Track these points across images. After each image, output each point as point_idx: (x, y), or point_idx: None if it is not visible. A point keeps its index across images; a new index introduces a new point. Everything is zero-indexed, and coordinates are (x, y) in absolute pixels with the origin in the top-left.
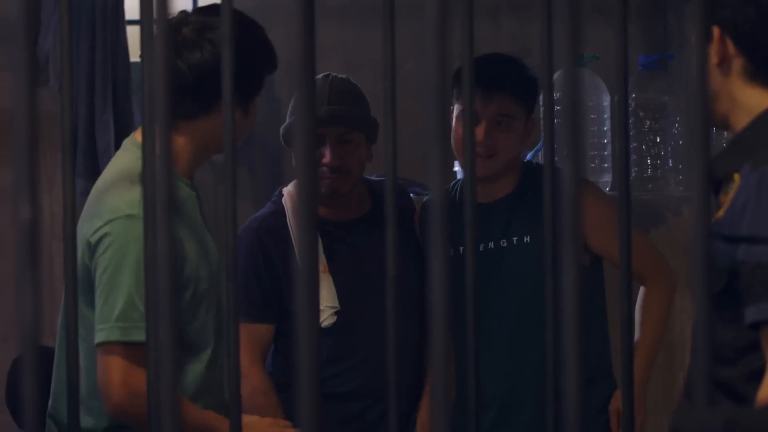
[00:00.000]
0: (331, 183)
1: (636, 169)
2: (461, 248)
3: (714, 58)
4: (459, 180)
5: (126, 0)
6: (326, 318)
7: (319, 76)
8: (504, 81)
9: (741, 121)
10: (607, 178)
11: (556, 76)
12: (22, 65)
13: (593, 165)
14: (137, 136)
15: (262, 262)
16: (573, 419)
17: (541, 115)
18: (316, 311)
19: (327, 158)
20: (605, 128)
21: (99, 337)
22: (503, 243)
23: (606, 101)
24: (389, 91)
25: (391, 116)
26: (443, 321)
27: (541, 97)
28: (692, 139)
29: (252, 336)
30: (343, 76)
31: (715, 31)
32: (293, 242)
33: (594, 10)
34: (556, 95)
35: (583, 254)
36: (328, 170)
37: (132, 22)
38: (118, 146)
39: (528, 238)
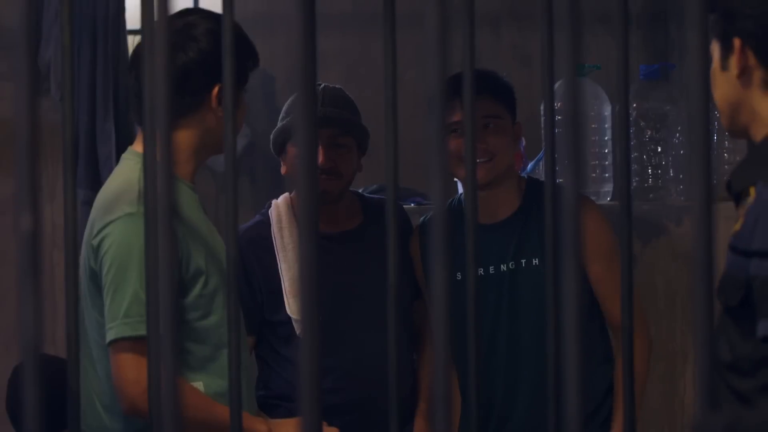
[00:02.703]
0: (321, 184)
1: (637, 178)
2: (480, 270)
3: (734, 69)
4: (458, 195)
5: (127, 9)
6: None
7: None
8: (479, 83)
9: (760, 133)
10: (608, 187)
11: (557, 85)
12: (23, 75)
13: (594, 175)
14: (136, 146)
15: (241, 274)
16: None
17: (542, 125)
18: (316, 316)
19: (318, 160)
20: (606, 138)
21: (109, 336)
22: (512, 265)
23: (607, 111)
24: (390, 101)
25: (393, 125)
26: (444, 332)
27: (542, 107)
28: (693, 148)
29: None
30: (339, 87)
31: (737, 42)
32: (276, 253)
33: (595, 19)
34: (557, 105)
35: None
36: (319, 171)
37: (133, 32)
38: (119, 155)
39: (536, 261)
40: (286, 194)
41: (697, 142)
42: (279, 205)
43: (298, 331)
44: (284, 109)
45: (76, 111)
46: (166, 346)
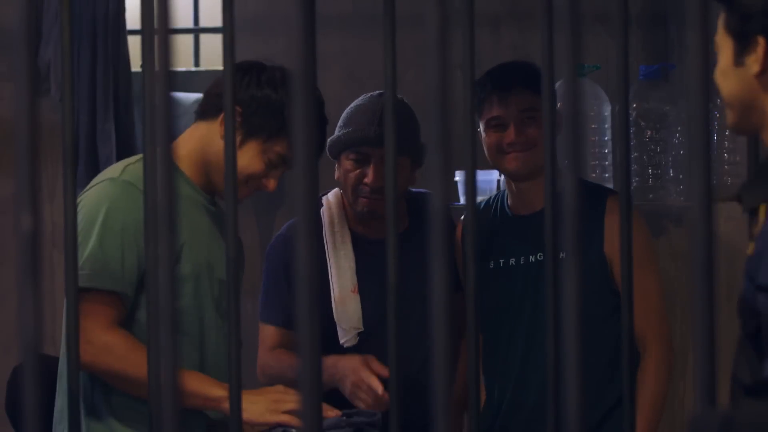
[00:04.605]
0: (371, 203)
1: (637, 179)
2: (512, 260)
3: (755, 67)
4: (501, 192)
5: (127, 10)
6: (349, 339)
7: (375, 93)
8: (514, 78)
9: None
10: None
11: (557, 86)
12: (23, 75)
13: (594, 175)
14: None
15: (284, 268)
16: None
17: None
18: (316, 316)
19: (369, 178)
20: (606, 138)
21: None
22: (539, 257)
23: (607, 111)
24: (390, 101)
25: (392, 125)
26: (444, 328)
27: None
28: (693, 148)
29: (264, 335)
30: (399, 97)
31: (761, 40)
32: (328, 258)
33: (595, 20)
34: (557, 105)
35: (613, 280)
36: (369, 191)
37: (133, 32)
38: (119, 156)
39: (563, 254)
40: (336, 189)
41: (696, 142)
42: (331, 204)
43: (342, 340)
44: (342, 117)
45: (76, 111)
46: (164, 340)
